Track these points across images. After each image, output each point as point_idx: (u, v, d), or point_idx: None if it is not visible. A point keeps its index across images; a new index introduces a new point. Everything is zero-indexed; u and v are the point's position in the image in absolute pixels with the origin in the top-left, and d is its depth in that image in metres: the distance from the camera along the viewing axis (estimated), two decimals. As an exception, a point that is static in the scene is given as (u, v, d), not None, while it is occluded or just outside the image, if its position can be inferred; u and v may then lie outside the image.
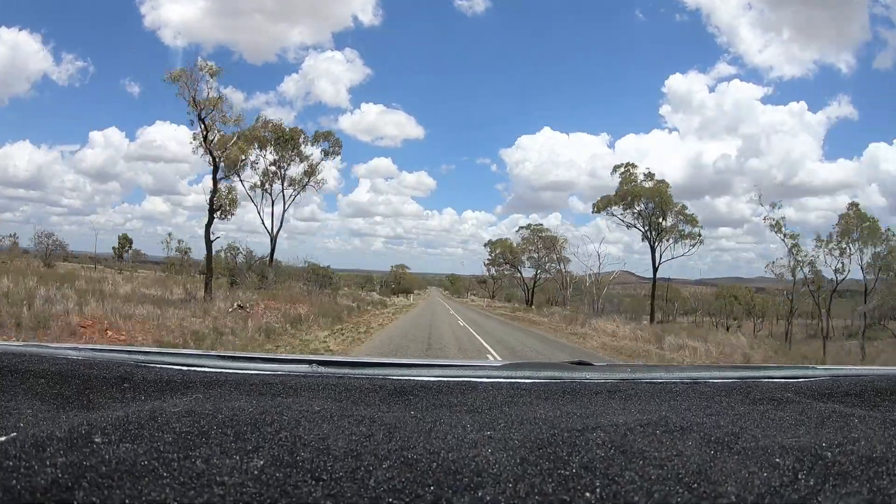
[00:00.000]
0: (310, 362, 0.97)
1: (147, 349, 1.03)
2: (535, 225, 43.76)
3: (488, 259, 48.13)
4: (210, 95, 16.15)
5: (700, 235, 28.38)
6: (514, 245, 45.05)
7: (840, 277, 22.88)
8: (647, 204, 28.32)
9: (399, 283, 63.09)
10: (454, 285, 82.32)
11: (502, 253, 46.53)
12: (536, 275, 43.50)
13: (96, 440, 0.53)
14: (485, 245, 48.69)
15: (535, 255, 42.75)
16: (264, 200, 26.63)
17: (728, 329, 37.76)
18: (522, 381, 0.91)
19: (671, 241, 28.44)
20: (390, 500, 0.46)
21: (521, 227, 44.06)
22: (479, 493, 0.46)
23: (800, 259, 23.34)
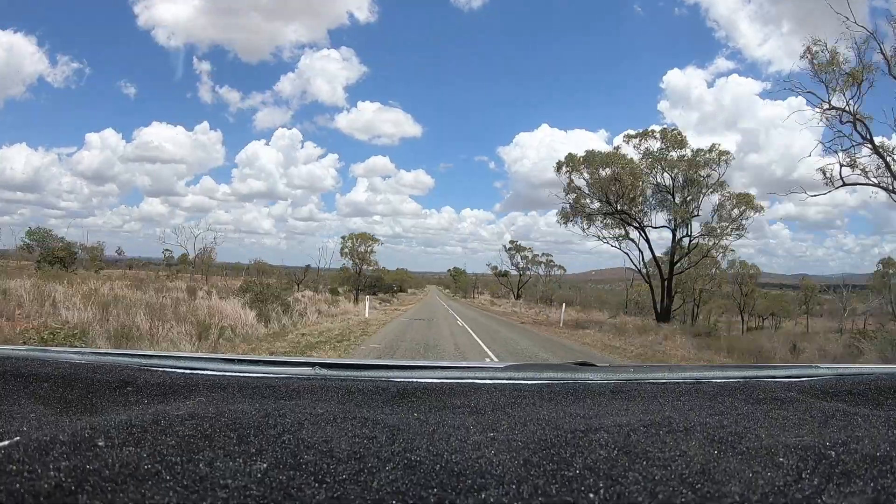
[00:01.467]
0: (312, 364, 0.97)
1: (150, 353, 1.03)
2: (671, 127, 20.52)
3: (567, 201, 20.95)
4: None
5: None
6: (635, 163, 19.83)
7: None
8: None
9: (358, 274, 34.91)
10: (458, 282, 66.15)
11: (607, 182, 20.02)
12: (678, 249, 20.17)
13: (99, 444, 0.53)
14: (557, 166, 21.02)
15: (681, 195, 19.58)
16: None
17: None
18: (525, 382, 0.90)
19: None
20: (394, 502, 0.46)
21: (631, 136, 20.35)
22: (483, 495, 0.46)
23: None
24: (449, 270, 71.77)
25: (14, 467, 0.47)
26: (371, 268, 36.12)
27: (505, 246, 44.89)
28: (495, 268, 48.37)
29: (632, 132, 20.66)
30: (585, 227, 21.36)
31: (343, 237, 36.99)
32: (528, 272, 44.43)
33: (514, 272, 45.72)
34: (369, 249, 35.70)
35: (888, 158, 12.94)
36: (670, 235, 20.66)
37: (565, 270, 44.41)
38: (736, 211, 19.71)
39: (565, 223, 21.74)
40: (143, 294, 13.78)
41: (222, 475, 0.48)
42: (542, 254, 43.46)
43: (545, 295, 37.43)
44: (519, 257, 43.55)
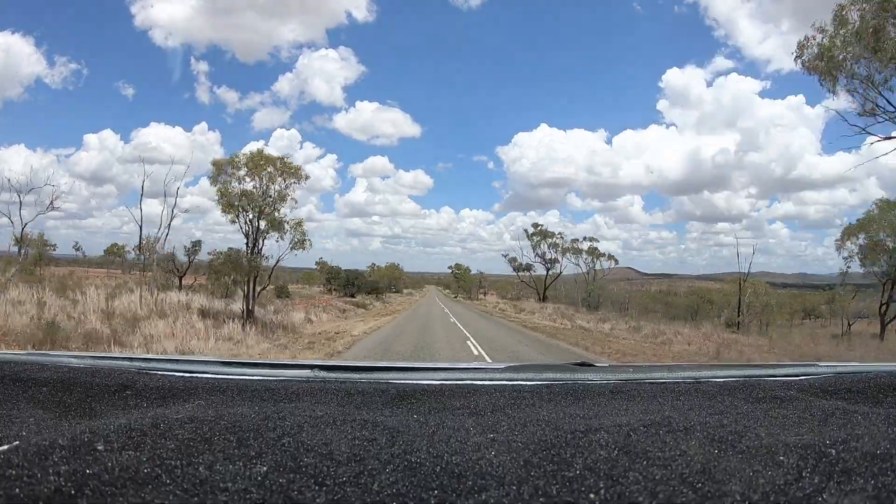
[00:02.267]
0: (311, 367, 0.97)
1: (149, 356, 1.03)
2: None
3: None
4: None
5: None
6: None
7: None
8: None
9: (251, 253, 12.81)
10: (461, 281, 54.11)
11: None
12: None
13: (99, 448, 0.53)
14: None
15: None
16: None
17: None
18: (525, 383, 0.90)
19: None
20: None
21: None
22: (483, 497, 0.46)
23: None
24: (450, 268, 58.12)
25: (13, 472, 0.47)
26: (291, 239, 14.42)
27: (527, 231, 31.64)
28: (514, 259, 34.10)
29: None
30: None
31: (214, 162, 14.52)
32: (557, 265, 31.43)
33: (538, 266, 32.79)
34: (278, 193, 13.94)
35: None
36: None
37: (616, 262, 31.37)
38: None
39: (833, 89, 9.33)
40: None
41: (222, 478, 0.48)
42: (584, 238, 29.26)
43: (589, 299, 25.09)
44: (545, 245, 30.18)
